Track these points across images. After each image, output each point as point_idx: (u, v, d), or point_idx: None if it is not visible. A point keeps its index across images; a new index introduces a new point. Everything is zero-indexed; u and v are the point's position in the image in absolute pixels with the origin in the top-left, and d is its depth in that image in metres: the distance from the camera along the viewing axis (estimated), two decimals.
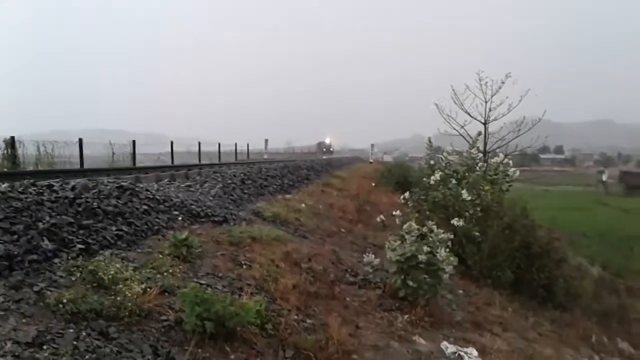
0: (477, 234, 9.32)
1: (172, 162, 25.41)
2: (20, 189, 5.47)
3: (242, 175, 13.39)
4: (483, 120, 15.21)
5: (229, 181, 11.91)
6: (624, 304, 13.10)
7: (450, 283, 7.33)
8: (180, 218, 7.06)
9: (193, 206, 7.80)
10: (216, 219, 7.65)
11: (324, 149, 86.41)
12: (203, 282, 4.76)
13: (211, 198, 9.45)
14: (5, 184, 5.64)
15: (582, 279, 12.37)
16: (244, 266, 5.72)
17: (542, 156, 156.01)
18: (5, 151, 15.60)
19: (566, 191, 72.78)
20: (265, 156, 44.52)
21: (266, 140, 48.36)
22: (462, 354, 4.86)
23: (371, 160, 59.60)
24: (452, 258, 6.15)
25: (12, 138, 15.82)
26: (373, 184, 26.05)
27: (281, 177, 16.75)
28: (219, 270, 5.30)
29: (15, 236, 4.16)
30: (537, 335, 6.89)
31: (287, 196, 13.10)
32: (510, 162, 10.84)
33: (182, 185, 10.36)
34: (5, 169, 14.53)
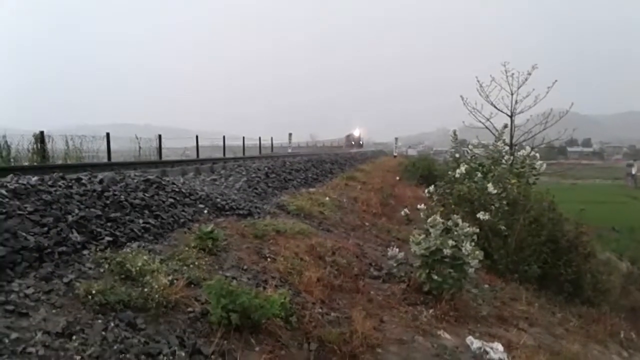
0: (503, 227, 9.21)
1: (198, 156, 25.61)
2: (49, 183, 5.57)
3: (266, 169, 13.44)
4: (509, 113, 15.01)
5: (254, 175, 11.97)
6: None
7: (476, 277, 7.28)
8: (205, 211, 7.13)
9: (218, 199, 7.86)
10: (241, 212, 7.69)
11: (353, 142, 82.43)
12: (228, 274, 4.81)
13: (236, 191, 9.51)
14: (36, 178, 5.74)
15: (610, 274, 12.12)
16: (269, 259, 5.75)
17: (569, 149, 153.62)
18: (35, 145, 15.90)
19: (594, 184, 71.62)
20: (289, 150, 44.58)
21: (290, 134, 48.40)
22: (487, 349, 4.82)
23: (395, 154, 59.13)
24: (477, 252, 6.09)
25: (42, 133, 16.12)
26: (397, 178, 25.94)
27: (305, 170, 16.78)
28: (243, 263, 5.34)
29: (46, 228, 4.24)
30: (564, 331, 6.80)
31: (311, 190, 13.12)
32: (537, 155, 10.68)
33: (208, 179, 10.45)
34: (35, 163, 14.80)
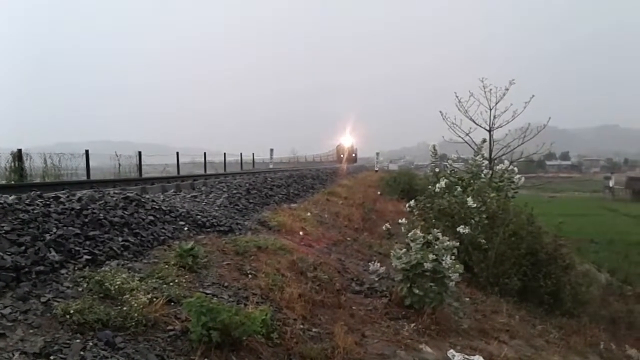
0: (483, 241, 9.30)
1: (178, 172, 25.45)
2: (27, 201, 5.52)
3: (247, 185, 13.41)
4: (488, 128, 15.21)
5: (235, 191, 11.93)
6: (632, 310, 13.01)
7: (457, 291, 7.32)
8: (186, 228, 7.09)
9: (199, 216, 7.83)
10: (222, 228, 7.67)
11: (342, 155, 66.20)
12: (209, 291, 4.78)
13: (217, 208, 9.47)
14: (13, 197, 5.68)
15: (590, 285, 12.28)
16: (250, 275, 5.73)
17: (548, 163, 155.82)
18: (13, 164, 15.68)
19: (573, 197, 72.63)
20: (271, 166, 44.43)
21: (271, 150, 48.28)
22: None
23: (377, 169, 59.11)
24: (457, 266, 6.14)
25: (19, 151, 15.91)
26: (379, 193, 26.02)
27: (286, 186, 16.77)
28: (224, 280, 5.31)
29: (23, 248, 4.20)
30: (545, 343, 6.86)
31: (293, 205, 13.10)
32: (516, 169, 10.83)
33: (188, 196, 10.39)
34: (13, 182, 14.60)
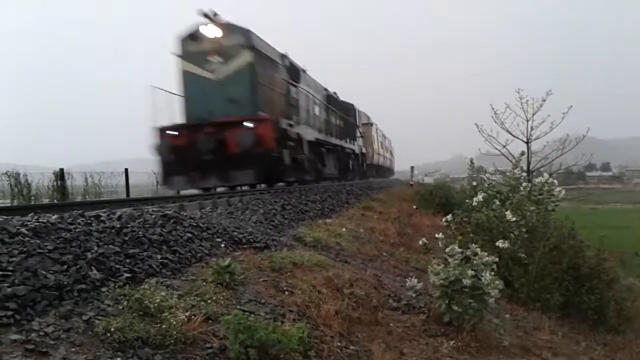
0: (523, 255, 9.10)
1: (215, 189, 25.70)
2: (69, 220, 5.64)
3: (282, 201, 13.48)
4: (525, 139, 14.98)
5: (270, 207, 12.00)
6: None
7: (497, 307, 7.17)
8: (222, 245, 7.14)
9: (235, 233, 7.88)
10: (258, 245, 7.70)
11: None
12: (246, 308, 4.79)
13: (252, 224, 9.53)
14: (56, 216, 5.82)
15: (635, 300, 11.88)
16: (286, 292, 5.72)
17: (588, 174, 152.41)
18: (55, 183, 16.14)
19: (615, 209, 70.66)
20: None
21: None
22: None
23: (411, 183, 58.45)
24: (497, 282, 6.01)
25: (62, 170, 16.37)
26: (414, 207, 25.80)
27: (321, 201, 16.78)
28: (261, 297, 5.32)
29: (65, 266, 4.29)
30: None
31: (328, 220, 13.08)
32: (555, 181, 10.60)
33: (225, 213, 10.48)
34: (55, 200, 15.00)
